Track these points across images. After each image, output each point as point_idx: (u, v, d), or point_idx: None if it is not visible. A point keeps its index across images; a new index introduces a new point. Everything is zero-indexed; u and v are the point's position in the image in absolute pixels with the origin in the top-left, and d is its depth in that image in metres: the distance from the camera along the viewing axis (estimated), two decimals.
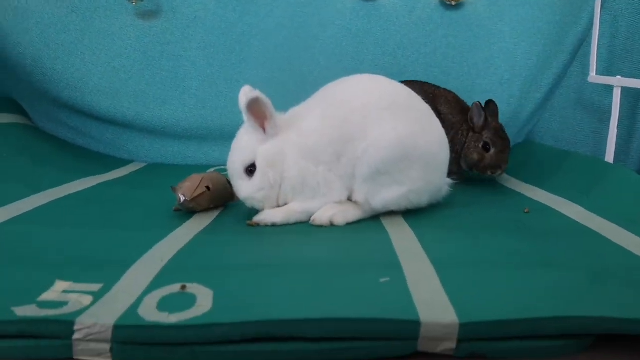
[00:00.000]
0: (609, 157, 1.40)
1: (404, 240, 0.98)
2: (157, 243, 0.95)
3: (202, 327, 0.66)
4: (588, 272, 0.83)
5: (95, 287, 0.76)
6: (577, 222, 1.11)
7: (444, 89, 1.57)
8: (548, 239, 1.01)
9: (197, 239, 0.99)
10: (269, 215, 1.09)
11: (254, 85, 1.13)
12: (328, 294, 0.75)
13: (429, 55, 1.83)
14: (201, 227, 1.07)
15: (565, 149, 1.64)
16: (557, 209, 1.22)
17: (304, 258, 0.89)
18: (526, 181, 1.48)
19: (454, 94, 1.56)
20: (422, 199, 1.16)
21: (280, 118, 1.10)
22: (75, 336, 0.66)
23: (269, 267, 0.85)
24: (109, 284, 0.77)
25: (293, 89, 1.75)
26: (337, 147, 1.09)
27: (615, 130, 1.38)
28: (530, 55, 1.77)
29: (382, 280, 0.79)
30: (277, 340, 0.67)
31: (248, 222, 1.09)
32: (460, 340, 0.68)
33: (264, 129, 1.08)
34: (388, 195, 1.11)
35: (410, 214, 1.16)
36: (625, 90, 1.41)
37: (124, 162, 1.73)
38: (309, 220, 1.11)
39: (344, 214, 1.11)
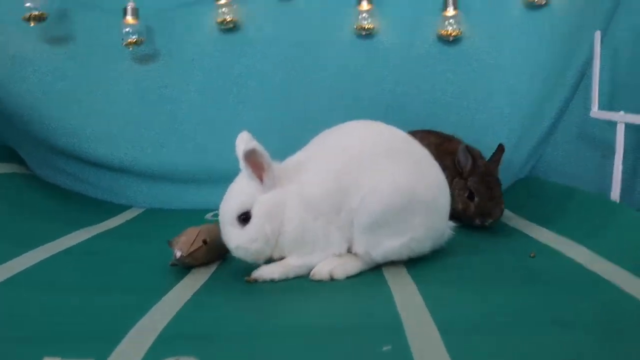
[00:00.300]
0: (615, 194, 1.36)
1: (406, 297, 0.94)
2: (151, 308, 0.92)
3: None
4: (602, 333, 0.79)
5: None
6: (585, 268, 1.08)
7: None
8: (557, 289, 0.97)
9: (192, 302, 0.96)
10: (266, 271, 1.06)
11: (253, 127, 1.12)
12: None
13: (428, 91, 1.81)
14: (197, 286, 1.04)
15: (570, 184, 1.61)
16: (563, 252, 1.18)
17: (302, 323, 0.86)
18: (531, 220, 1.45)
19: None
20: (425, 247, 1.13)
21: (278, 168, 1.08)
22: None
23: (266, 335, 0.81)
24: (100, 358, 0.74)
25: (292, 129, 1.73)
26: (336, 198, 1.07)
27: (620, 166, 1.35)
28: (531, 89, 1.75)
29: (384, 348, 0.75)
30: None
31: (246, 278, 1.06)
32: None
33: (261, 180, 1.05)
34: (389, 246, 1.08)
35: (413, 264, 1.12)
36: (629, 125, 1.38)
37: (122, 208, 1.71)
38: (308, 274, 1.07)
39: (344, 267, 1.08)
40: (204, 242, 1.13)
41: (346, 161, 1.08)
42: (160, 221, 1.60)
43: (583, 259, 1.12)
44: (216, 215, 1.67)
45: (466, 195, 1.36)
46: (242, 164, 1.05)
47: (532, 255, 1.17)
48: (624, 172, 1.41)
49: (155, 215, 1.67)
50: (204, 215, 1.67)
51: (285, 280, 1.06)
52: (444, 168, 1.35)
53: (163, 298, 0.97)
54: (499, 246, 1.27)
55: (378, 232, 1.06)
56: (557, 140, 1.70)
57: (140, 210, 1.71)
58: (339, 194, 1.06)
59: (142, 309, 0.91)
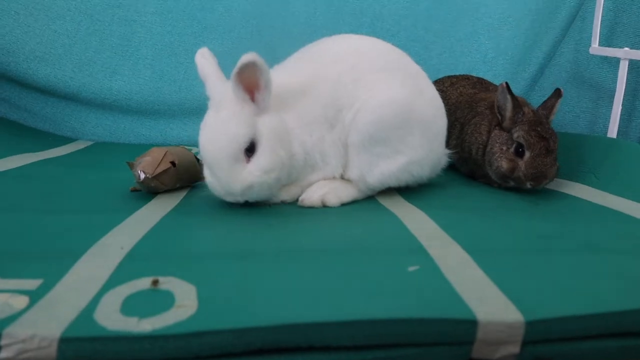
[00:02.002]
0: (612, 135, 1.29)
1: (418, 222, 0.82)
2: (113, 228, 0.75)
3: (188, 336, 0.48)
4: (634, 257, 0.70)
5: (33, 284, 0.56)
6: (593, 203, 1.00)
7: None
8: (573, 221, 0.88)
9: (164, 222, 0.79)
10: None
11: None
12: (347, 287, 0.58)
13: (409, 28, 1.68)
14: (167, 209, 0.87)
15: (557, 129, 1.54)
16: (565, 191, 1.10)
17: (304, 244, 0.72)
18: None
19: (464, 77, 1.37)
20: (424, 171, 1.02)
21: None
22: (3, 354, 0.46)
23: (263, 256, 0.67)
24: (50, 279, 0.57)
25: None
26: (329, 112, 0.93)
27: (620, 107, 1.28)
28: (517, 31, 1.65)
29: (410, 268, 0.63)
30: (290, 351, 0.49)
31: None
32: (525, 343, 0.52)
33: (253, 100, 0.86)
34: (386, 168, 0.95)
35: (410, 194, 1.01)
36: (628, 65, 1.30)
37: (65, 140, 1.49)
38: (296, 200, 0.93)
39: (337, 193, 0.95)
40: (172, 164, 0.97)
41: (341, 73, 0.95)
42: (112, 153, 1.40)
43: (589, 196, 1.05)
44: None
45: (512, 150, 1.05)
46: (233, 83, 0.83)
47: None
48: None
49: (105, 149, 1.46)
50: None
51: (270, 206, 0.91)
52: (476, 115, 1.17)
53: (127, 219, 0.80)
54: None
55: (373, 151, 0.94)
56: (543, 85, 1.61)
57: (87, 144, 1.50)
58: (332, 107, 0.93)
59: (101, 229, 0.74)
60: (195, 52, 1.57)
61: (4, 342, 0.46)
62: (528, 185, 1.04)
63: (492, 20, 1.67)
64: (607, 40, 1.45)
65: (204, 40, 1.60)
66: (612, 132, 1.28)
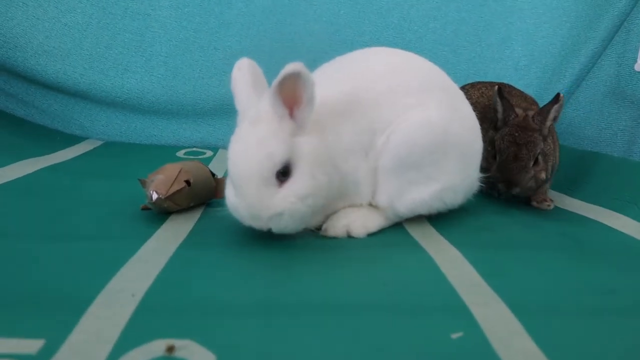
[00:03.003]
0: None
1: (454, 266, 0.75)
2: (122, 265, 0.68)
3: None
4: None
5: (33, 346, 0.50)
6: (636, 239, 0.92)
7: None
8: (625, 267, 0.80)
9: (177, 258, 0.73)
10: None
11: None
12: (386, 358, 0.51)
13: (437, 30, 1.60)
14: (180, 238, 0.81)
15: (588, 149, 1.46)
16: (605, 222, 1.02)
17: (331, 296, 0.64)
18: (552, 188, 1.27)
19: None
20: (457, 198, 0.94)
21: None
22: None
23: (286, 311, 0.60)
24: (53, 339, 0.51)
25: (280, 61, 1.48)
26: (364, 138, 0.86)
27: None
28: (553, 39, 1.56)
29: (453, 335, 0.56)
30: None
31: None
32: None
33: (292, 116, 0.77)
34: (418, 196, 0.88)
35: (439, 223, 0.94)
36: None
37: (75, 140, 1.43)
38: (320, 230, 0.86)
39: (364, 222, 0.88)
40: (187, 183, 0.90)
41: (377, 94, 0.87)
42: (121, 157, 1.34)
43: (633, 231, 0.97)
44: (189, 153, 1.45)
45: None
46: (272, 96, 0.74)
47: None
48: None
49: (115, 150, 1.40)
50: (174, 152, 1.42)
51: (286, 239, 0.83)
52: (484, 120, 1.12)
53: (137, 252, 0.73)
54: (523, 208, 1.11)
55: (405, 177, 0.86)
56: (578, 100, 1.52)
57: (97, 144, 1.44)
58: (367, 132, 0.86)
59: (110, 266, 0.68)
60: (211, 49, 1.53)
61: None
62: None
63: (526, 26, 1.59)
64: None
65: (221, 36, 1.53)
66: None
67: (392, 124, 0.86)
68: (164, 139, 1.52)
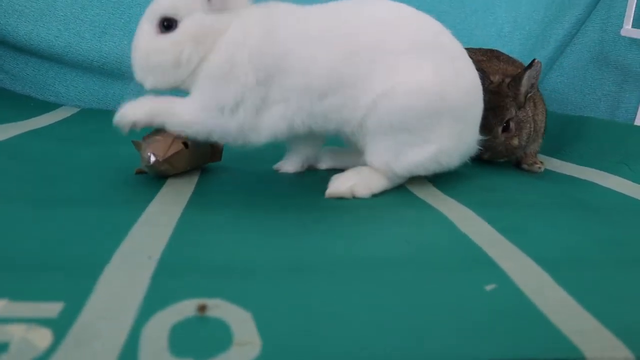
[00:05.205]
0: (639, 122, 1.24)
1: (470, 224, 0.74)
2: (129, 228, 0.65)
3: None
4: None
5: (52, 309, 0.46)
6: (634, 198, 0.94)
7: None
8: (626, 223, 0.81)
9: (186, 219, 0.69)
10: (126, 110, 0.82)
11: None
12: (426, 313, 0.50)
13: None
14: (184, 201, 0.77)
15: (573, 113, 1.48)
16: (599, 182, 1.04)
17: (359, 253, 0.62)
18: (541, 152, 1.27)
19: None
20: (453, 161, 0.92)
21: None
22: None
23: (317, 269, 0.58)
24: (73, 302, 0.47)
25: None
26: (322, 82, 0.80)
27: None
28: (536, 5, 1.56)
29: (488, 287, 0.55)
30: None
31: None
32: None
33: None
34: (414, 158, 0.86)
35: (442, 185, 0.93)
36: None
37: (49, 107, 1.35)
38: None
39: (367, 183, 0.86)
40: (185, 145, 0.86)
41: (355, 48, 0.82)
42: (101, 124, 1.27)
43: (628, 189, 0.99)
44: None
45: None
46: None
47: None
48: (637, 102, 1.28)
49: (94, 118, 1.33)
50: None
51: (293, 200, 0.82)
52: None
53: (142, 215, 0.69)
54: (517, 170, 1.12)
55: (398, 139, 0.84)
56: (563, 64, 1.54)
57: (74, 111, 1.36)
58: (330, 76, 0.81)
59: (117, 229, 0.64)
60: None
61: None
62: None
63: None
64: (637, 21, 1.38)
65: None
66: None
67: (374, 86, 0.81)
68: None
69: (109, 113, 1.36)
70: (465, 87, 0.91)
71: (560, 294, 0.55)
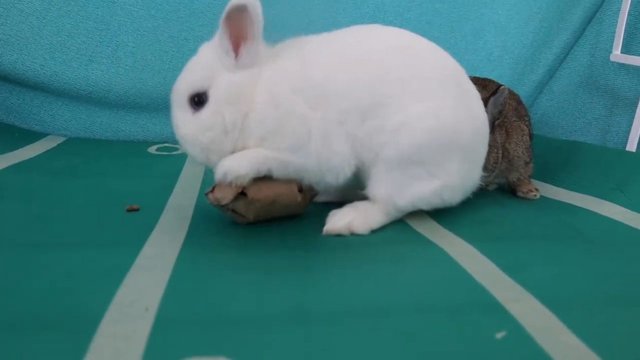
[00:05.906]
0: (631, 148, 1.24)
1: (474, 262, 0.73)
2: (124, 276, 0.62)
3: None
4: None
5: None
6: (633, 228, 0.94)
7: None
8: (629, 257, 0.81)
9: (183, 263, 0.67)
10: (229, 165, 0.76)
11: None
12: None
13: (412, 21, 1.58)
14: (179, 241, 0.75)
15: (563, 137, 1.48)
16: (594, 210, 1.03)
17: (359, 301, 0.60)
18: (535, 177, 1.27)
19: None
20: (456, 197, 0.92)
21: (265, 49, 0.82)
22: None
23: (322, 318, 0.56)
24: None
25: None
26: (364, 102, 0.80)
27: None
28: (525, 30, 1.58)
29: (498, 335, 0.54)
30: None
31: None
32: None
33: (237, 53, 0.78)
34: (419, 191, 0.85)
35: (441, 218, 0.92)
36: None
37: (36, 136, 1.32)
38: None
39: (365, 219, 0.85)
40: (243, 193, 0.77)
41: (389, 68, 0.82)
42: (88, 155, 1.24)
43: (623, 217, 0.98)
44: (161, 149, 1.37)
45: None
46: (221, 26, 0.77)
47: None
48: (628, 126, 1.29)
49: (80, 147, 1.30)
50: (145, 148, 1.34)
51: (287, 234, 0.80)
52: None
53: (136, 260, 0.67)
54: (512, 198, 1.11)
55: (407, 172, 0.83)
56: (553, 88, 1.55)
57: (60, 140, 1.33)
58: (372, 95, 0.80)
59: (111, 277, 0.61)
60: (182, 40, 1.45)
61: None
62: None
63: (498, 17, 1.60)
64: (626, 47, 1.39)
65: (191, 26, 1.45)
66: (633, 144, 1.23)
67: (401, 110, 0.81)
68: (133, 134, 1.43)
69: (96, 142, 1.34)
70: (476, 125, 0.91)
71: (569, 338, 0.54)
